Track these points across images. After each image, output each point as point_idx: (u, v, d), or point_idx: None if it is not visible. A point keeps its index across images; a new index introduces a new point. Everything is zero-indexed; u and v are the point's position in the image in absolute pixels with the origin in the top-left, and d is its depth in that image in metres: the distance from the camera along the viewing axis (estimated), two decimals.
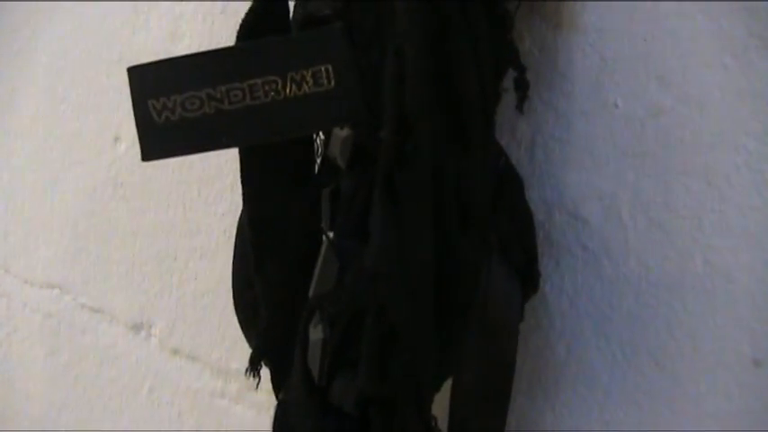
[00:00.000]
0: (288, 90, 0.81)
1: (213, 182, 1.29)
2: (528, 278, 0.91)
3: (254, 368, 0.95)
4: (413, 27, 0.77)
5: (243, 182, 0.91)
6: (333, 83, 0.80)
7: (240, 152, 0.90)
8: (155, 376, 1.43)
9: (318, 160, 0.95)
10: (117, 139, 1.43)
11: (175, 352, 1.38)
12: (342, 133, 0.84)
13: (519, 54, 0.86)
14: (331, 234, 0.86)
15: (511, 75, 0.89)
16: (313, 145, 0.93)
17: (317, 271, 0.86)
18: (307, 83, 0.81)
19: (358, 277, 0.83)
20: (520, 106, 0.90)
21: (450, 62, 0.78)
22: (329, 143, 0.85)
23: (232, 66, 0.81)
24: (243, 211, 0.95)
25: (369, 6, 0.80)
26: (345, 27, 0.80)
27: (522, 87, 0.87)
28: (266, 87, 0.81)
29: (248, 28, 0.86)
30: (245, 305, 0.97)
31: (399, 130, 0.77)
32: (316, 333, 0.85)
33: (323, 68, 0.81)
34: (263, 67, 0.81)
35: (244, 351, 0.99)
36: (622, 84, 0.92)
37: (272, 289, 0.92)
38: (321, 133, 0.91)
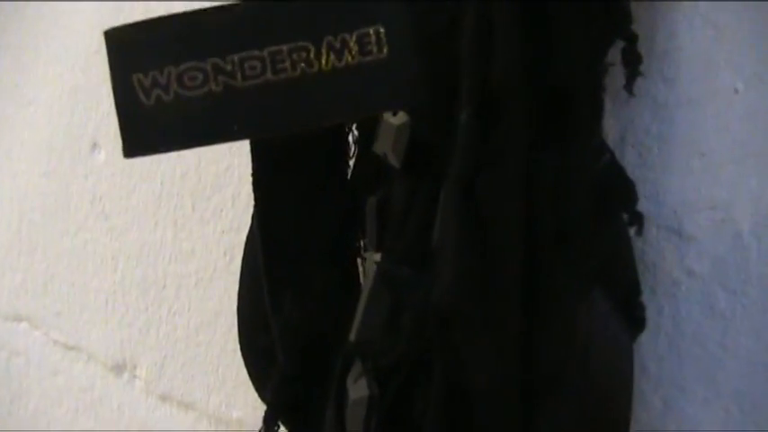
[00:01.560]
0: (324, 60, 0.62)
1: (210, 194, 1.14)
2: (630, 315, 0.73)
3: (269, 428, 0.78)
4: None
5: (255, 186, 0.74)
6: (385, 50, 0.61)
7: (252, 146, 0.73)
8: (140, 426, 1.27)
9: (353, 157, 0.76)
10: (94, 146, 1.28)
11: (165, 398, 1.24)
12: (395, 121, 0.65)
13: (631, 17, 0.64)
14: (378, 257, 0.67)
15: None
16: (347, 137, 0.74)
17: (359, 308, 0.67)
18: (349, 51, 0.62)
19: (419, 317, 0.63)
20: (629, 86, 0.71)
21: (548, 27, 0.56)
22: (377, 134, 0.64)
23: (247, 27, 0.63)
24: (253, 227, 0.78)
25: None
26: None
27: (632, 62, 0.67)
28: (294, 57, 0.62)
29: None
30: (257, 350, 0.80)
31: (482, 114, 0.53)
32: (357, 389, 0.67)
33: (371, 31, 0.62)
34: (289, 28, 0.62)
35: (248, 397, 0.88)
36: (743, 63, 0.75)
37: (292, 330, 0.74)
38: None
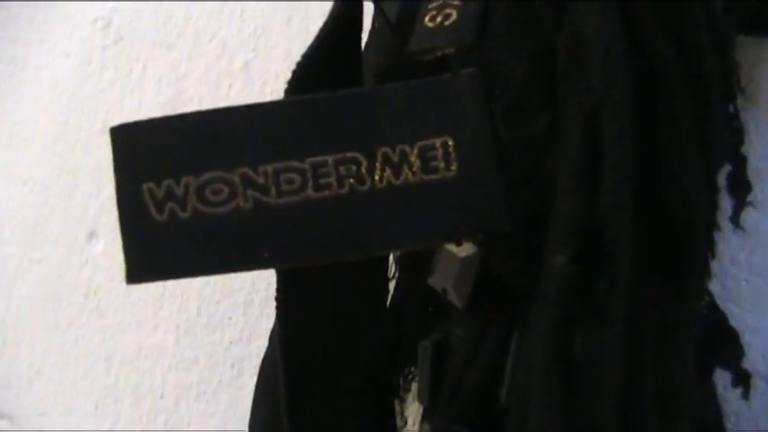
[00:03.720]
0: (377, 176, 0.51)
1: (219, 299, 1.04)
2: None
3: None
4: (615, 74, 0.42)
5: (279, 303, 0.61)
6: (454, 168, 0.50)
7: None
8: None
9: (393, 285, 0.65)
10: (92, 234, 1.19)
11: None
12: (461, 252, 0.54)
13: (744, 137, 0.53)
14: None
15: None
16: (387, 263, 0.63)
17: None
18: (410, 166, 0.50)
19: None
20: (736, 217, 0.61)
21: (658, 146, 0.44)
22: (434, 263, 0.52)
23: (285, 130, 0.51)
24: (272, 348, 0.66)
25: (523, 37, 0.46)
26: (481, 75, 0.48)
27: (742, 189, 0.55)
28: (341, 170, 0.51)
29: (301, 83, 0.55)
30: None
31: (584, 258, 0.46)
32: None
33: (438, 143, 0.50)
34: (337, 135, 0.51)
35: None
36: None
37: None
38: None
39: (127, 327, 1.18)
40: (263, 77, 0.96)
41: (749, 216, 0.69)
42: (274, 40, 0.95)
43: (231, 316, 1.05)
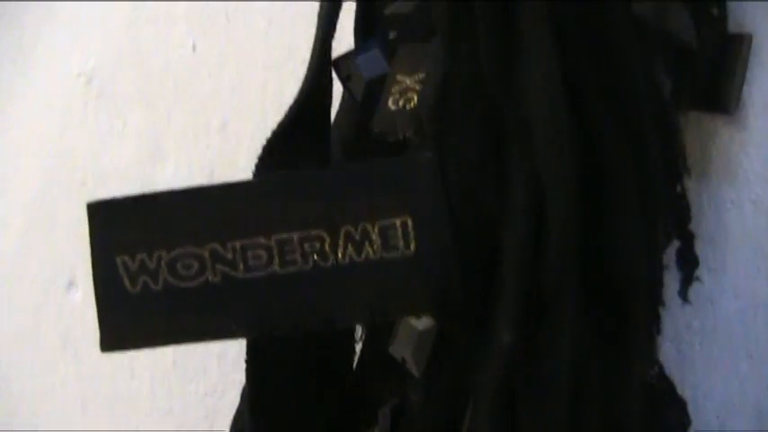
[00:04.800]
0: (340, 253, 0.53)
1: (194, 349, 1.01)
2: None
3: None
4: (559, 159, 0.46)
5: (249, 366, 0.65)
6: (412, 246, 0.53)
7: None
8: None
9: (360, 347, 0.67)
10: (71, 284, 1.19)
11: None
12: (419, 324, 0.56)
13: (690, 215, 0.56)
14: None
15: None
16: (354, 332, 0.65)
17: None
18: (371, 244, 0.53)
19: None
20: (684, 291, 0.64)
21: (604, 220, 0.47)
22: (394, 333, 0.55)
23: (254, 209, 0.54)
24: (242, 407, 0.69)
25: (477, 123, 0.49)
26: (438, 159, 0.52)
27: (690, 263, 0.57)
28: (306, 247, 0.53)
29: (272, 157, 0.58)
30: None
31: (527, 324, 0.50)
32: None
33: (398, 222, 0.53)
34: (302, 213, 0.53)
35: None
36: None
37: None
38: None
39: (103, 375, 1.17)
40: (239, 137, 0.98)
41: (704, 281, 0.72)
42: (250, 102, 0.98)
43: (206, 368, 1.05)
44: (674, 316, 0.72)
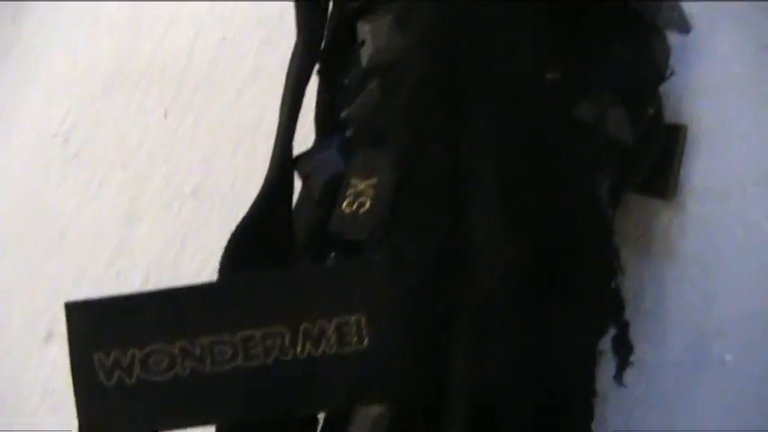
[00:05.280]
0: (299, 348, 0.58)
1: None
2: None
3: None
4: (500, 277, 0.50)
5: None
6: (366, 342, 0.58)
7: None
8: None
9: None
10: (49, 336, 1.19)
11: None
12: (372, 411, 0.59)
13: (624, 305, 0.61)
14: None
15: None
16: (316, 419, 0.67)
17: None
18: (328, 339, 0.58)
19: None
20: (619, 376, 0.67)
21: (544, 322, 0.52)
22: (351, 418, 0.59)
23: (220, 308, 0.59)
24: None
25: (426, 230, 0.54)
26: (390, 261, 0.57)
27: (625, 349, 0.61)
28: (268, 343, 0.58)
29: (237, 250, 0.59)
30: None
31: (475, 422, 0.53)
32: None
33: (353, 319, 0.58)
34: (264, 312, 0.58)
35: None
36: (732, 332, 0.74)
37: None
38: None
39: None
40: (211, 202, 1.02)
41: (645, 352, 0.76)
42: (221, 169, 1.02)
43: None
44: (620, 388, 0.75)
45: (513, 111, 0.57)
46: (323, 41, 0.66)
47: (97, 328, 0.57)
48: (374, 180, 0.59)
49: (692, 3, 0.74)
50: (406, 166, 0.57)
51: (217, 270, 0.65)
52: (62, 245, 1.19)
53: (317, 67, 0.66)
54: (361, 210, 0.59)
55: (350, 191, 0.60)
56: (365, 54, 0.60)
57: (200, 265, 1.03)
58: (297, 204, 0.65)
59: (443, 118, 0.57)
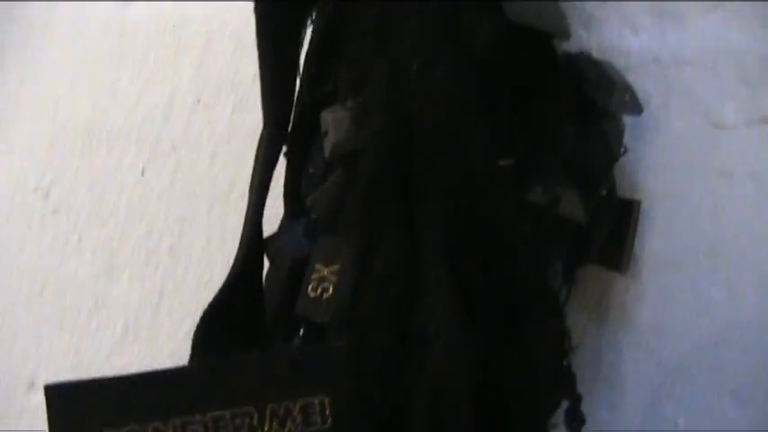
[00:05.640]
0: (266, 427, 0.61)
1: None
2: None
3: None
4: (452, 363, 0.54)
5: None
6: (329, 422, 0.60)
7: None
8: None
9: None
10: (31, 386, 1.22)
11: None
12: None
13: (576, 379, 0.64)
14: None
15: None
16: None
17: None
18: (293, 419, 0.61)
19: None
20: None
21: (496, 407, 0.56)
22: None
23: (190, 391, 0.61)
24: None
25: (385, 318, 0.57)
26: (350, 347, 0.60)
27: (577, 422, 0.64)
28: (237, 422, 0.61)
29: (210, 328, 0.62)
30: None
31: None
32: None
33: (317, 401, 0.61)
34: (234, 393, 0.61)
35: None
36: (685, 397, 0.77)
37: None
38: None
39: None
40: (187, 260, 1.04)
41: (603, 418, 0.79)
42: (196, 228, 1.04)
43: None
44: None
45: (465, 200, 0.60)
46: (289, 126, 0.68)
47: (75, 409, 0.59)
48: (336, 267, 0.62)
49: (645, 80, 0.77)
50: (365, 258, 0.60)
51: (193, 331, 0.69)
52: (43, 296, 1.22)
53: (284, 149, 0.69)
54: (325, 295, 0.62)
55: (314, 275, 0.63)
56: (328, 144, 0.63)
57: (177, 321, 1.05)
58: (266, 283, 0.68)
59: (399, 210, 0.60)
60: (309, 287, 0.63)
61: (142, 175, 1.08)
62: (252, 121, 0.77)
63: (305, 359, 0.61)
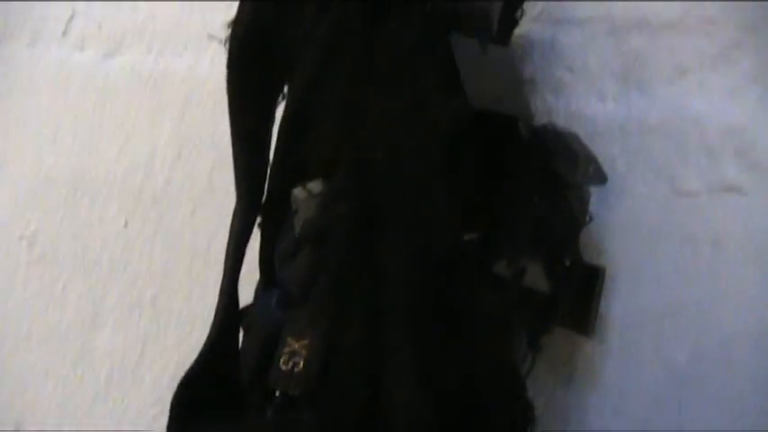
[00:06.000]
0: None
1: None
2: None
3: None
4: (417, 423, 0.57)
5: None
6: None
7: None
8: None
9: None
10: (18, 427, 1.23)
11: None
12: None
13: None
14: None
15: None
16: None
17: None
18: None
19: None
20: None
21: None
22: None
23: None
24: None
25: (352, 388, 0.60)
26: (319, 419, 0.64)
27: None
28: None
29: (187, 395, 0.65)
30: None
31: None
32: None
33: None
34: None
35: None
36: None
37: None
38: None
39: None
40: (168, 313, 1.06)
41: None
42: (178, 280, 1.06)
43: None
44: None
45: (428, 281, 0.62)
46: (263, 197, 0.70)
47: None
48: (306, 341, 0.64)
49: (610, 146, 0.79)
50: (332, 336, 0.63)
51: (174, 391, 0.71)
52: (28, 344, 1.23)
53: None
54: (296, 369, 0.64)
55: (286, 349, 0.65)
56: (298, 222, 0.66)
57: (160, 369, 1.07)
58: (241, 352, 0.70)
59: (365, 292, 0.62)
60: (281, 360, 0.65)
61: (125, 227, 1.09)
62: (231, 177, 0.79)
63: (276, 430, 0.63)
